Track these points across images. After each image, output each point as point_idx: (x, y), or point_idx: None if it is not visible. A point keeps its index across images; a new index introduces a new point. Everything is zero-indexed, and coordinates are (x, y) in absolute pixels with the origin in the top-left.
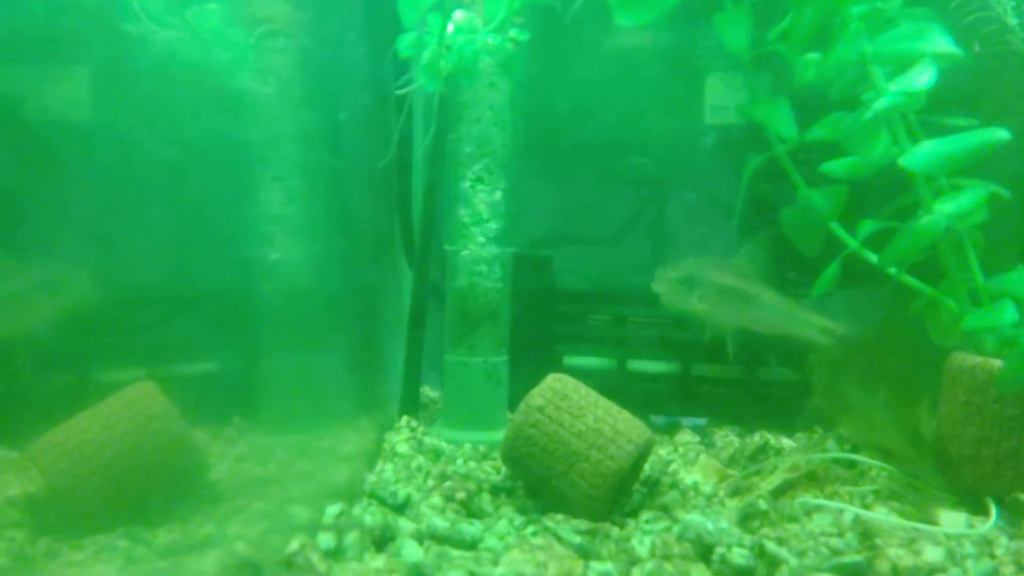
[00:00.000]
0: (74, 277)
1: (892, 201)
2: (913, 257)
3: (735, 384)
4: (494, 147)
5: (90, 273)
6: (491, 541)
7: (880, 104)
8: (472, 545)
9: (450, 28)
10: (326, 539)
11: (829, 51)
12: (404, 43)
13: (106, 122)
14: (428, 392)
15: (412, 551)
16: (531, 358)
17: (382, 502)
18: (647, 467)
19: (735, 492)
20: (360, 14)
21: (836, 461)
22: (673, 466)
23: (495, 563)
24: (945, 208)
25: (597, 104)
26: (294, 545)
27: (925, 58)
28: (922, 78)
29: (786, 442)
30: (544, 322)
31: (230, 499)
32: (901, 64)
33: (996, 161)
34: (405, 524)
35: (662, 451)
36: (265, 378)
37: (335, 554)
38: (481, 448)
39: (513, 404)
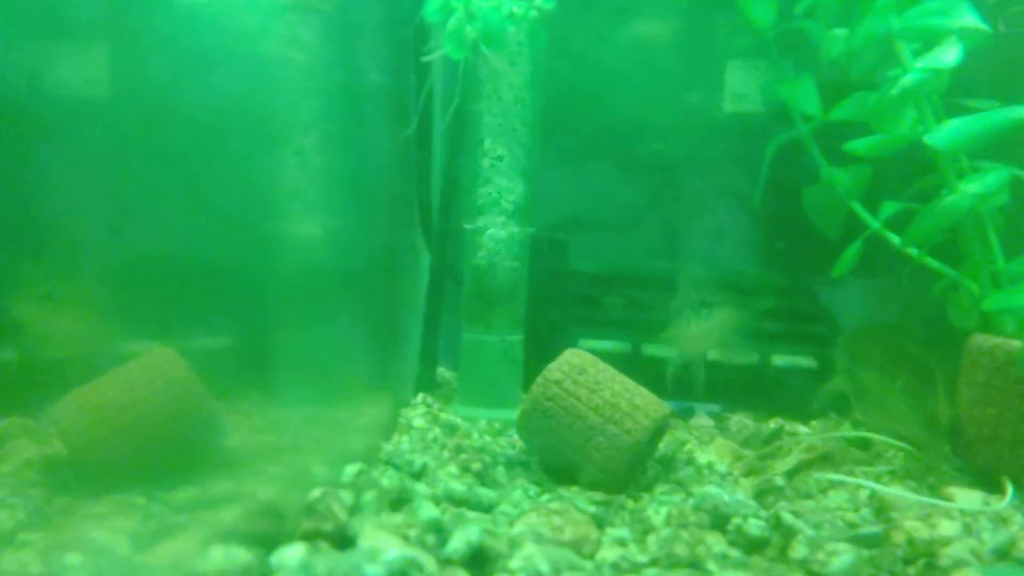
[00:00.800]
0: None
1: (910, 185)
2: (936, 237)
3: (750, 371)
4: (514, 126)
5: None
6: (506, 507)
7: (907, 81)
8: (488, 508)
9: None
10: (344, 496)
11: (856, 25)
12: (431, 8)
13: (122, 91)
14: (443, 373)
15: (429, 510)
16: (546, 340)
17: (398, 469)
18: (662, 446)
19: (750, 472)
20: None
21: (852, 443)
22: (688, 446)
23: (511, 524)
24: (969, 188)
25: (617, 90)
26: (316, 493)
27: (952, 34)
28: (948, 55)
29: (802, 429)
30: (559, 304)
31: (246, 464)
32: (928, 39)
33: (1018, 145)
34: (422, 488)
35: (677, 433)
36: (280, 353)
37: (352, 510)
38: (496, 425)
39: (527, 384)
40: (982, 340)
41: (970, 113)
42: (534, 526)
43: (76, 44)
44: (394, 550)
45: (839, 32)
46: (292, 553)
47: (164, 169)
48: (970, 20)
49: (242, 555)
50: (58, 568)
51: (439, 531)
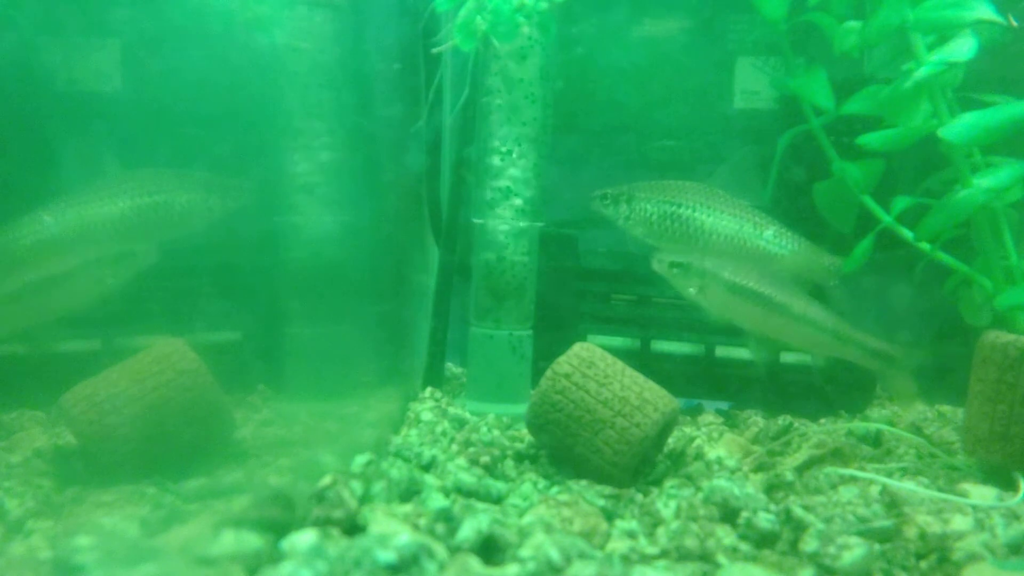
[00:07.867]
0: None
1: (923, 182)
2: (949, 232)
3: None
4: (524, 120)
5: None
6: (515, 499)
7: (921, 73)
8: (498, 500)
9: None
10: (354, 486)
11: (870, 18)
12: None
13: (131, 84)
14: (452, 368)
15: (438, 500)
16: (555, 336)
17: (407, 462)
18: (671, 441)
19: (759, 467)
20: None
21: (863, 439)
22: (697, 442)
23: (521, 516)
24: (983, 182)
25: (627, 86)
26: (326, 480)
27: (967, 26)
28: (963, 49)
29: (812, 427)
30: (568, 300)
31: (256, 456)
32: (943, 31)
33: None
34: (431, 479)
35: (686, 429)
36: (289, 347)
37: (362, 500)
38: (505, 419)
39: (536, 379)
40: (995, 337)
41: (984, 107)
42: (543, 517)
43: (87, 38)
44: (405, 536)
45: (852, 24)
46: (303, 539)
47: (173, 163)
48: (986, 12)
49: (253, 540)
50: (67, 551)
51: (449, 520)
